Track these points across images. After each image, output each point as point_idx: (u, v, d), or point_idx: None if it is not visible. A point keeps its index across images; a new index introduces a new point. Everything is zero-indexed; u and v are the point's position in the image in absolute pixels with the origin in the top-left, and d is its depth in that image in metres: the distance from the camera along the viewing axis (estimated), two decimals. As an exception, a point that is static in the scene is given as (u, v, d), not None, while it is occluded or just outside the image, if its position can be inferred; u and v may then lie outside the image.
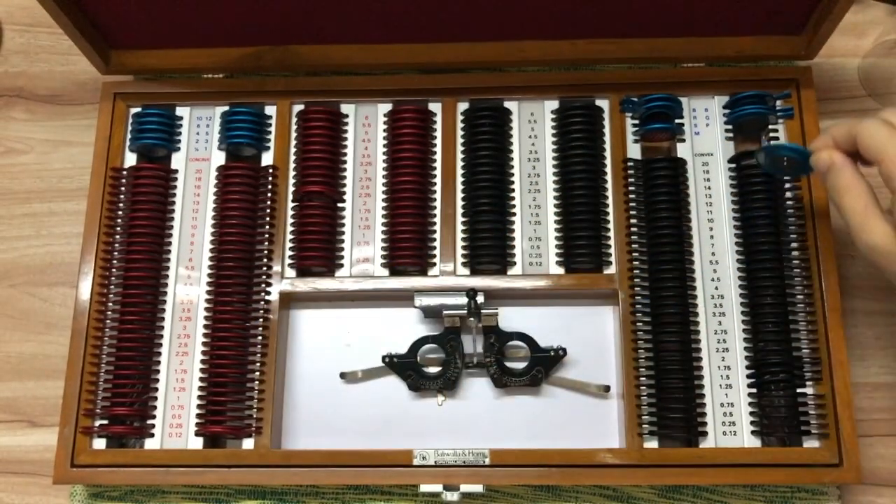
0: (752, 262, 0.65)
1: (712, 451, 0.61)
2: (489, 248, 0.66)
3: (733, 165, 0.68)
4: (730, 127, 0.69)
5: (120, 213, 0.69)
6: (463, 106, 0.71)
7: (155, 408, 0.65)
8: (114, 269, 0.67)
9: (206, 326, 0.66)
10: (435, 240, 0.68)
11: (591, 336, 0.67)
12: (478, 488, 0.60)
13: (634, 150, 0.69)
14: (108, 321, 0.66)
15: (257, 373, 0.65)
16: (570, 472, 0.61)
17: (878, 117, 0.51)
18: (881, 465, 0.65)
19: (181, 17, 0.68)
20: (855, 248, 0.70)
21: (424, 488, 0.61)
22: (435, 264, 0.67)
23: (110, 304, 0.66)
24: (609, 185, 0.68)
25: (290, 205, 0.69)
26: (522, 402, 0.66)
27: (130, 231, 0.68)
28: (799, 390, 0.62)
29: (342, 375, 0.67)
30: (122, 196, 0.69)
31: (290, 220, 0.68)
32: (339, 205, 0.69)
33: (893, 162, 0.49)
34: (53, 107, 0.78)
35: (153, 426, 0.64)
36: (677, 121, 0.69)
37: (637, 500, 0.65)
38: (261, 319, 0.66)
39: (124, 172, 0.70)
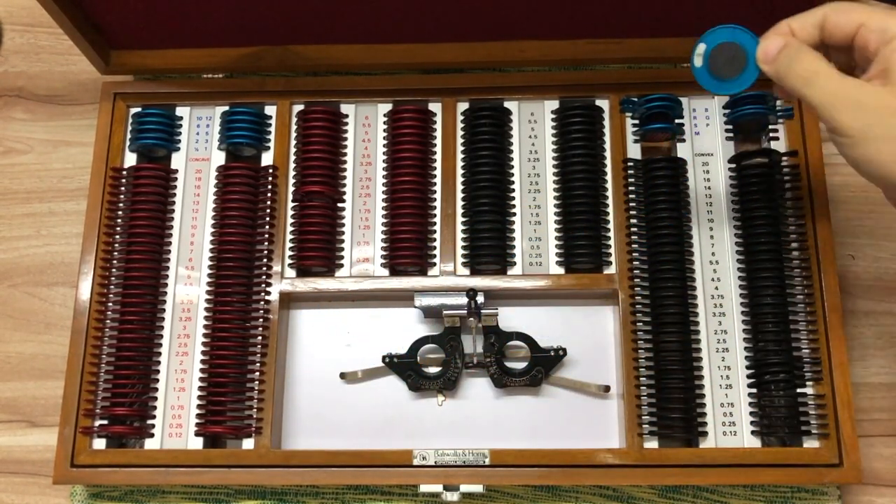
0: (752, 262, 0.65)
1: (712, 451, 0.61)
2: (489, 248, 0.66)
3: (733, 165, 0.68)
4: (730, 127, 0.69)
5: (120, 213, 0.69)
6: (463, 106, 0.71)
7: (155, 408, 0.64)
8: (114, 269, 0.67)
9: (206, 326, 0.66)
10: (435, 240, 0.68)
11: (591, 336, 0.67)
12: (478, 488, 0.60)
13: (634, 150, 0.69)
14: (107, 321, 0.66)
15: (257, 373, 0.65)
16: (570, 472, 0.61)
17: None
18: (881, 465, 0.65)
19: (181, 18, 0.68)
20: (855, 244, 0.70)
21: (424, 488, 0.61)
22: (435, 264, 0.67)
23: (110, 304, 0.66)
24: (609, 185, 0.68)
25: (290, 205, 0.69)
26: (522, 402, 0.66)
27: (130, 231, 0.68)
28: (799, 390, 0.62)
29: (342, 375, 0.67)
30: (122, 196, 0.69)
31: (290, 220, 0.68)
32: (339, 205, 0.69)
33: (871, 29, 0.41)
34: (53, 107, 0.78)
35: (153, 426, 0.64)
36: (677, 121, 0.69)
37: (637, 501, 0.65)
38: (261, 319, 0.66)
39: (124, 172, 0.70)
